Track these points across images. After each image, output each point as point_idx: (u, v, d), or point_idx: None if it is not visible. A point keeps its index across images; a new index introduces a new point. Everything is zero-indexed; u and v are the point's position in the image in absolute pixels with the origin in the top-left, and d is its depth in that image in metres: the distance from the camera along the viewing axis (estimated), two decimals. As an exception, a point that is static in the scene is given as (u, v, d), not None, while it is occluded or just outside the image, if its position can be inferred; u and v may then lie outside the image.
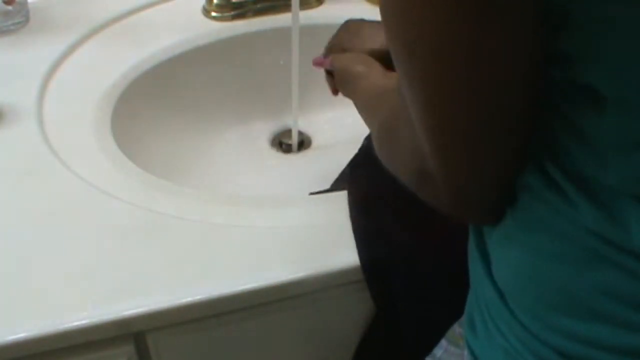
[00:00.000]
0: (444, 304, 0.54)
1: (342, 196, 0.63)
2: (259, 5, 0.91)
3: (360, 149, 0.70)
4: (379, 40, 0.62)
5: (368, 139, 0.68)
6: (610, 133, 0.32)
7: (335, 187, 0.74)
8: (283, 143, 0.90)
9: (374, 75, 0.58)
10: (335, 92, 0.66)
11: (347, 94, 0.61)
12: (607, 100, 0.31)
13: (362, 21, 0.66)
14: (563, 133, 0.35)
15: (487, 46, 0.31)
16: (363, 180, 0.64)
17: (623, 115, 0.31)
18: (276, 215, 0.62)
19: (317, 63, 0.66)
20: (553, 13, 0.30)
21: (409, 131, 0.38)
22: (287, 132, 0.89)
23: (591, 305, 0.35)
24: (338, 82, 0.63)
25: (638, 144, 0.32)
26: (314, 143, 0.91)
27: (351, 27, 0.66)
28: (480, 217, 0.41)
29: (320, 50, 0.68)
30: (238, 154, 0.88)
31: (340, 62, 0.62)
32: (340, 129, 0.90)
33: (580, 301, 0.36)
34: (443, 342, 0.53)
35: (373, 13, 0.58)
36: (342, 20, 0.73)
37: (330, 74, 0.65)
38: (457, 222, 0.43)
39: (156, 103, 0.84)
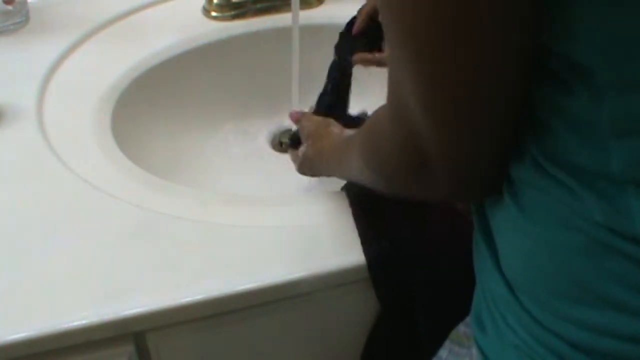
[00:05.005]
0: (457, 301, 0.53)
1: (342, 196, 0.63)
2: (259, 5, 0.91)
3: None
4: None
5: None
6: (609, 119, 0.32)
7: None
8: (283, 143, 0.90)
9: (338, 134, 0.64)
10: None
11: (314, 155, 0.65)
12: (602, 82, 0.31)
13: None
14: (559, 126, 0.34)
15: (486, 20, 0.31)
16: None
17: (621, 98, 0.31)
18: (276, 215, 0.62)
19: (293, 116, 0.71)
20: None
21: (397, 133, 0.40)
22: (287, 132, 0.89)
23: (601, 293, 0.35)
24: (306, 139, 0.67)
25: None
26: (314, 143, 0.91)
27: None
28: (478, 193, 0.43)
29: (320, 50, 0.68)
30: (238, 154, 0.88)
31: (308, 123, 0.68)
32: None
33: (590, 289, 0.36)
34: (447, 343, 0.53)
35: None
36: (342, 20, 0.73)
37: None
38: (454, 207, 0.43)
39: (156, 103, 0.84)
